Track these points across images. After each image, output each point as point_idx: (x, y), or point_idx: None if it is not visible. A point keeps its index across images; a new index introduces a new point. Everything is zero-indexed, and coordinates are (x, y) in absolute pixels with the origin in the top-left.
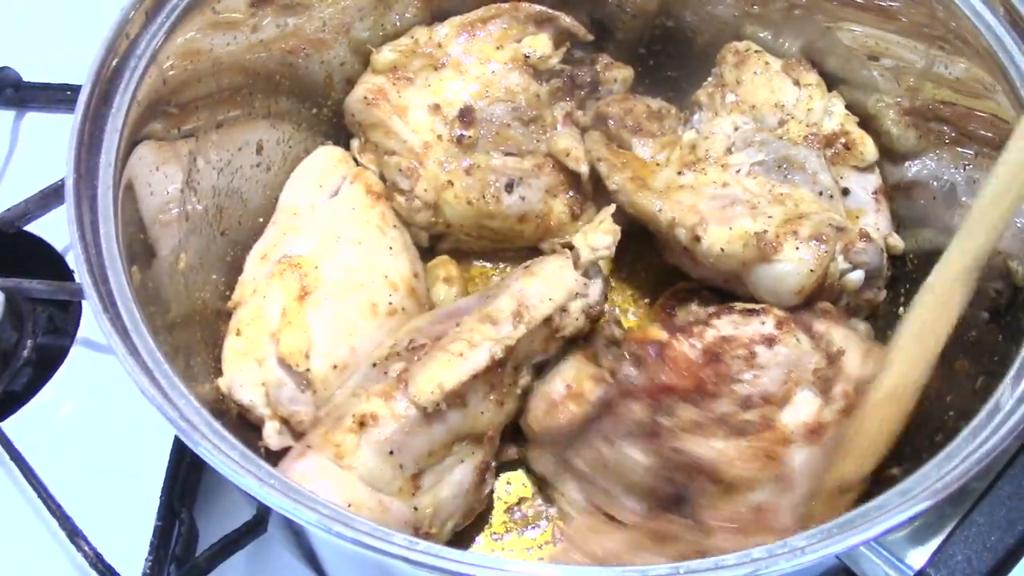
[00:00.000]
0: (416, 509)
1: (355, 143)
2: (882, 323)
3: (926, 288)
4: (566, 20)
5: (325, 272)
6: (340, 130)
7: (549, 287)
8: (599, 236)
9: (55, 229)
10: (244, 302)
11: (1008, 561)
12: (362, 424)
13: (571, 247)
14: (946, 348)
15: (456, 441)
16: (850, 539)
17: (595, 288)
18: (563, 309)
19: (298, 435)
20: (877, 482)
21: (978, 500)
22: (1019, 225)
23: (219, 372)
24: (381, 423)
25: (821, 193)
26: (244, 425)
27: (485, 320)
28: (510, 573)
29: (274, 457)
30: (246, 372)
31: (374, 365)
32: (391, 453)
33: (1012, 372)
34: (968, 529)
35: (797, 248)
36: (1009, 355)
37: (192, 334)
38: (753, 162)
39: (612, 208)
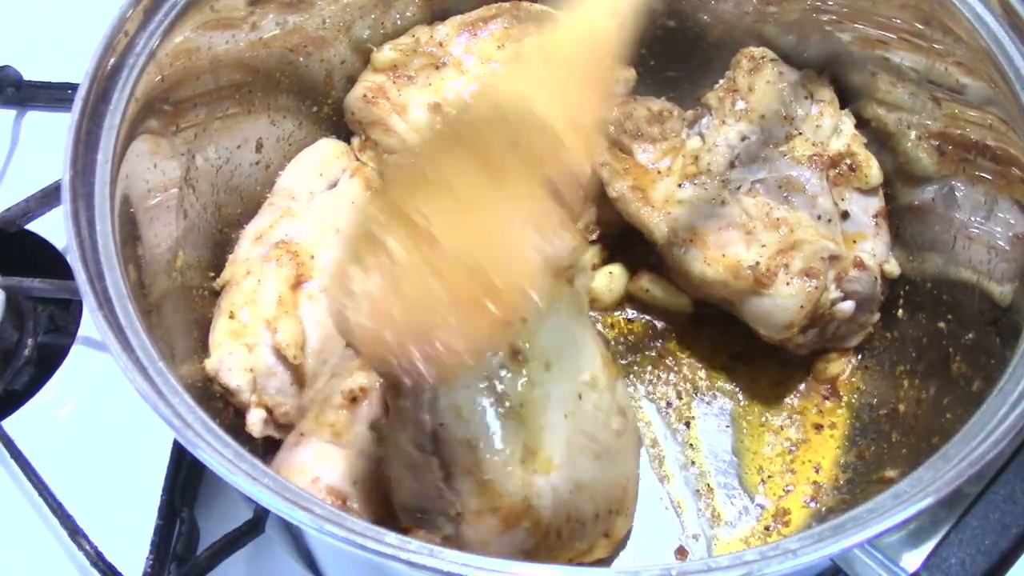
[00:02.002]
0: None
1: (355, 141)
2: (875, 344)
3: None
4: None
5: (321, 263)
6: (340, 128)
7: None
8: None
9: (56, 228)
10: (236, 283)
11: (1002, 564)
12: (353, 400)
13: None
14: (945, 351)
15: None
16: (844, 541)
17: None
18: None
19: (280, 426)
20: (872, 484)
21: (972, 503)
22: (995, 249)
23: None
24: (371, 394)
25: (820, 217)
26: (240, 424)
27: None
28: (503, 573)
29: (270, 455)
30: (235, 356)
31: (347, 345)
32: None
33: (1007, 375)
34: (962, 532)
35: (788, 284)
36: (1005, 358)
37: (189, 332)
38: (754, 179)
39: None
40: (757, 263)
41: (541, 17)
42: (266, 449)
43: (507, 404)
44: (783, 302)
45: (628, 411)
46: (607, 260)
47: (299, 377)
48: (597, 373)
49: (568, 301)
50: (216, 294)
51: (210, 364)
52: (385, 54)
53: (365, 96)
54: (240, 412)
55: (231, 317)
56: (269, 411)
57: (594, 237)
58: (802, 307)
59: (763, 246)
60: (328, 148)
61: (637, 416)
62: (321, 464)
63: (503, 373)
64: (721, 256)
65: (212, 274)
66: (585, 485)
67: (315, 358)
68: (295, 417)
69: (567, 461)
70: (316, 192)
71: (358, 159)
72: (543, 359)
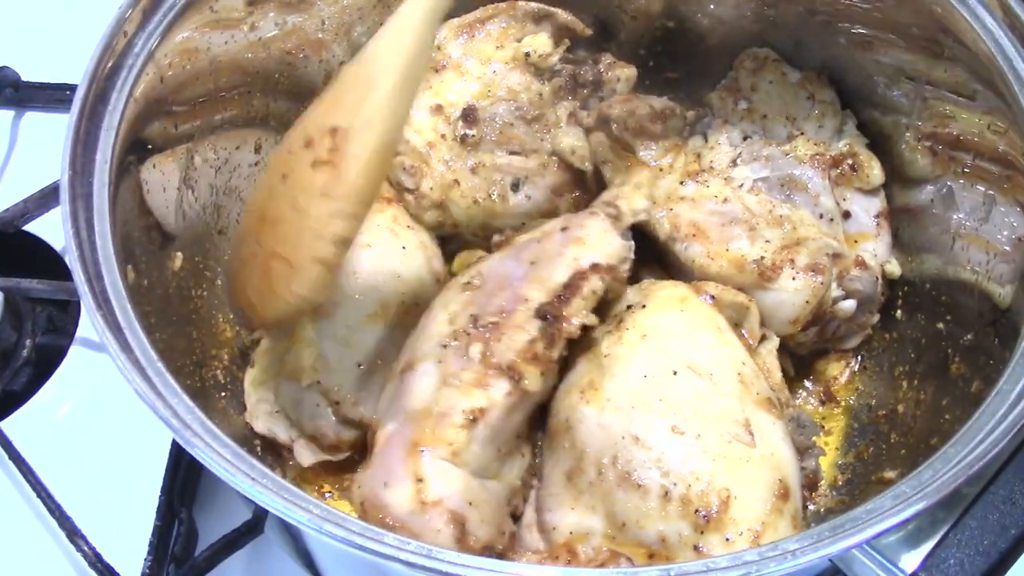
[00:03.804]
0: (510, 484)
1: None
2: (874, 345)
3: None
4: (564, 16)
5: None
6: None
7: (601, 253)
8: (638, 200)
9: (54, 229)
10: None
11: (1001, 565)
12: (473, 420)
13: (612, 207)
14: (943, 352)
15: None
16: (843, 542)
17: (632, 250)
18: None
19: (326, 448)
20: (871, 484)
21: (971, 504)
22: (994, 250)
23: (216, 369)
24: (487, 415)
25: (822, 216)
26: (239, 424)
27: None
28: (502, 573)
29: (269, 455)
30: (262, 404)
31: (444, 346)
32: (493, 440)
33: (1006, 375)
34: (961, 533)
35: (794, 278)
36: (1004, 359)
37: (188, 332)
38: (757, 178)
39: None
40: (762, 257)
41: (538, 15)
42: (264, 450)
43: (597, 351)
44: (789, 297)
45: (763, 442)
46: None
47: (324, 394)
48: (704, 367)
49: (698, 310)
50: (216, 296)
51: (247, 417)
52: None
53: None
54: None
55: (253, 366)
56: (313, 439)
57: None
58: (808, 302)
59: (767, 241)
60: None
61: None
62: (444, 483)
63: (607, 330)
64: (725, 250)
65: (210, 274)
66: (647, 446)
67: (336, 370)
68: (338, 433)
69: (626, 408)
70: None
71: None
72: (642, 332)
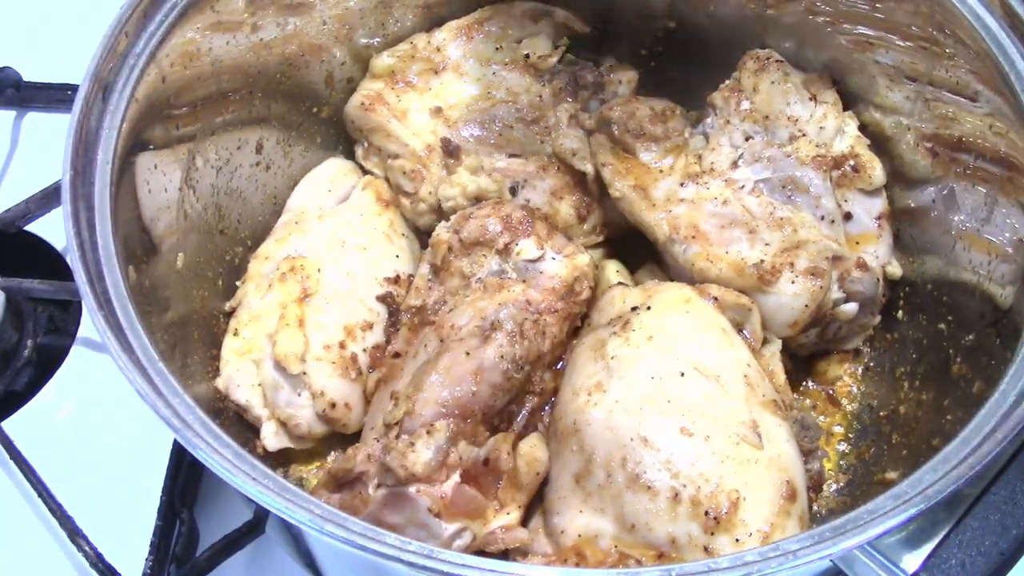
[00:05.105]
0: None
1: (359, 150)
2: (876, 346)
3: None
4: (562, 13)
5: (328, 276)
6: (340, 129)
7: None
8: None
9: (56, 229)
10: (243, 303)
11: (1003, 566)
12: None
13: None
14: (945, 353)
15: None
16: (844, 542)
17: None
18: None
19: (294, 436)
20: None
21: (972, 504)
22: (996, 251)
23: (217, 371)
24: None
25: (823, 218)
26: (242, 423)
27: None
28: (502, 573)
29: (270, 455)
30: (243, 373)
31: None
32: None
33: (1008, 376)
34: (962, 533)
35: (793, 282)
36: (1005, 359)
37: (189, 332)
38: (758, 179)
39: None
40: (761, 261)
41: (535, 14)
42: (265, 451)
43: (603, 352)
44: (788, 300)
45: (770, 444)
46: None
47: (306, 386)
48: (711, 369)
49: (703, 312)
50: (218, 296)
51: (220, 383)
52: (383, 60)
53: (363, 104)
54: (241, 417)
55: (235, 335)
56: (283, 423)
57: (600, 239)
58: (807, 306)
59: (767, 244)
60: (336, 167)
61: None
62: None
63: (612, 331)
64: (724, 253)
65: (211, 274)
66: (656, 448)
67: (320, 364)
68: (310, 426)
69: (634, 410)
70: (326, 207)
71: (363, 167)
72: (648, 333)
